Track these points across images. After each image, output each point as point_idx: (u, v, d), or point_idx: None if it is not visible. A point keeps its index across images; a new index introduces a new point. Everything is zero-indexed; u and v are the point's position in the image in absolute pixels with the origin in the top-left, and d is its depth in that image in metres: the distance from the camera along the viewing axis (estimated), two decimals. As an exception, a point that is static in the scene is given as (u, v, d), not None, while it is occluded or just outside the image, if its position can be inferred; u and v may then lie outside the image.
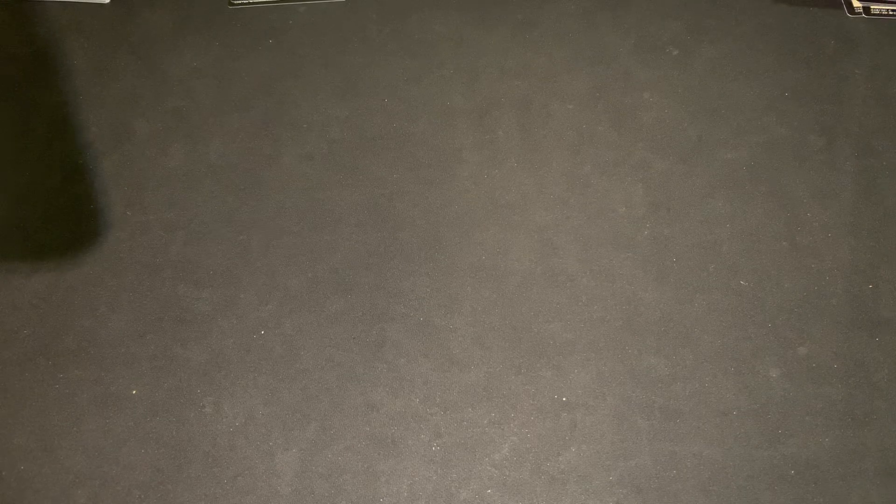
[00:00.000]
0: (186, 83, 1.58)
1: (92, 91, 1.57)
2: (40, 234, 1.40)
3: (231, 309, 1.31)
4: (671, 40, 1.63)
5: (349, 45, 1.64)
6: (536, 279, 1.33)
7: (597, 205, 1.42)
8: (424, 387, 1.24)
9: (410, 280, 1.34)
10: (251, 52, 1.63)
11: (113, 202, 1.43)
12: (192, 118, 1.53)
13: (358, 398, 1.23)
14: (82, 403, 1.23)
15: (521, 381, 1.24)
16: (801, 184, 1.43)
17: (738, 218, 1.40)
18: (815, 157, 1.46)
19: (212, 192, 1.44)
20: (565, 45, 1.63)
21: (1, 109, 1.55)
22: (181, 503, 1.14)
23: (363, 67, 1.60)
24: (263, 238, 1.39)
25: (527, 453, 1.18)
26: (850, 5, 1.67)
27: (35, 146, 1.50)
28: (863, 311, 1.29)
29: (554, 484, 1.15)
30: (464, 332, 1.28)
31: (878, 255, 1.35)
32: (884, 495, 1.13)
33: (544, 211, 1.41)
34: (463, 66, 1.60)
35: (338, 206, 1.42)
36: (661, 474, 1.16)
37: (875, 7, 1.67)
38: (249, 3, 1.71)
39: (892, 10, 1.67)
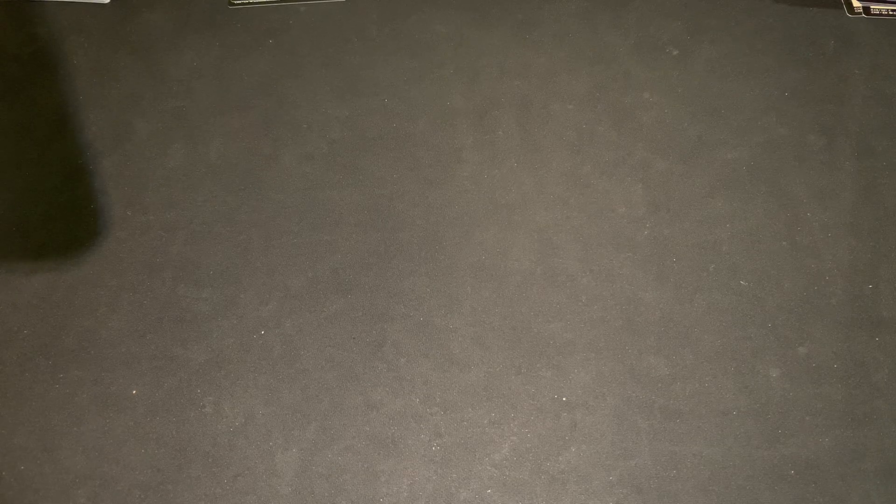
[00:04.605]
0: (186, 83, 1.58)
1: (92, 91, 1.57)
2: (40, 234, 1.40)
3: (231, 309, 1.31)
4: (671, 40, 1.63)
5: (349, 45, 1.64)
6: (536, 279, 1.33)
7: (597, 205, 1.42)
8: (424, 387, 1.24)
9: (410, 280, 1.34)
10: (251, 52, 1.63)
11: (113, 202, 1.43)
12: (192, 118, 1.53)
13: (358, 398, 1.23)
14: (82, 403, 1.23)
15: (521, 381, 1.24)
16: (801, 184, 1.43)
17: (738, 218, 1.40)
18: (815, 157, 1.46)
19: (212, 192, 1.44)
20: (565, 45, 1.63)
21: (1, 109, 1.55)
22: (181, 503, 1.14)
23: (363, 67, 1.60)
24: (263, 238, 1.39)
25: (527, 453, 1.18)
26: (850, 5, 1.67)
27: (35, 146, 1.50)
28: (863, 311, 1.29)
29: (554, 484, 1.15)
30: (464, 332, 1.28)
31: (878, 255, 1.35)
32: (884, 495, 1.13)
33: (544, 211, 1.41)
34: (463, 66, 1.60)
35: (338, 206, 1.42)
36: (661, 474, 1.16)
37: (875, 7, 1.67)
38: (249, 3, 1.71)
39: (892, 10, 1.67)
